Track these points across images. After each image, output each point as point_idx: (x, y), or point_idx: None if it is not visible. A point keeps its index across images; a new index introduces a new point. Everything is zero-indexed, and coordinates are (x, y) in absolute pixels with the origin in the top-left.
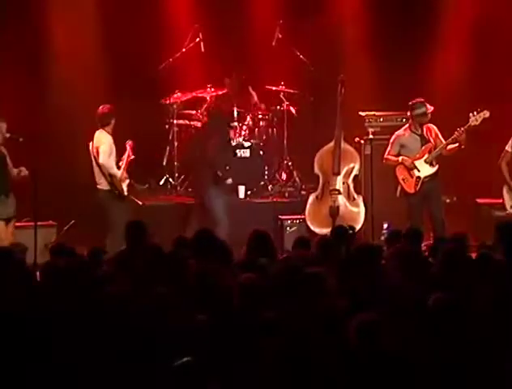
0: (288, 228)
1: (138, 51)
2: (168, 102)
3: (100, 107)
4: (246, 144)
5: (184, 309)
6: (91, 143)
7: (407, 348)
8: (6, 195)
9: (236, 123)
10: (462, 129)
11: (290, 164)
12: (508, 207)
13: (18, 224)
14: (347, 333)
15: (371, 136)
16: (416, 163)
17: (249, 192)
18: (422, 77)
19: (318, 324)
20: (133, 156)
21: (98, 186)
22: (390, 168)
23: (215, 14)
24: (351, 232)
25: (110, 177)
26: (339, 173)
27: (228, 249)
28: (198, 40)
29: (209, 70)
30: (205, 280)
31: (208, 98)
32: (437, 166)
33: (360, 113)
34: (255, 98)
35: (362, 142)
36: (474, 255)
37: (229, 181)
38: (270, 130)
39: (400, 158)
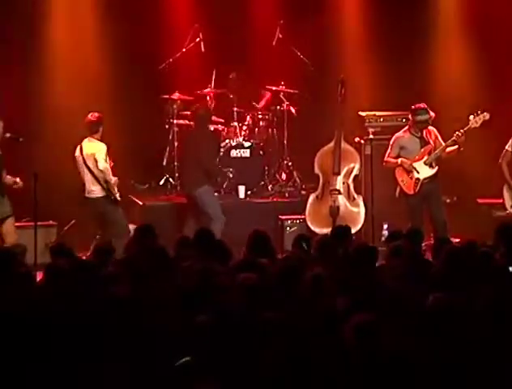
0: (288, 228)
1: (138, 51)
2: (168, 102)
3: (89, 115)
4: (246, 144)
5: (183, 309)
6: (78, 151)
7: (407, 348)
8: (1, 195)
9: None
10: (462, 131)
11: (290, 164)
12: (508, 206)
13: (18, 224)
14: (345, 333)
15: (371, 136)
16: (415, 165)
17: (249, 192)
18: (422, 77)
19: (318, 324)
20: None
21: (91, 195)
22: (391, 168)
23: (216, 14)
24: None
25: (106, 184)
26: (339, 173)
27: (226, 249)
28: (198, 40)
29: (209, 70)
30: (205, 280)
31: (208, 98)
32: (436, 168)
33: (361, 113)
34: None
35: (362, 142)
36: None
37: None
38: (270, 130)
39: (399, 160)
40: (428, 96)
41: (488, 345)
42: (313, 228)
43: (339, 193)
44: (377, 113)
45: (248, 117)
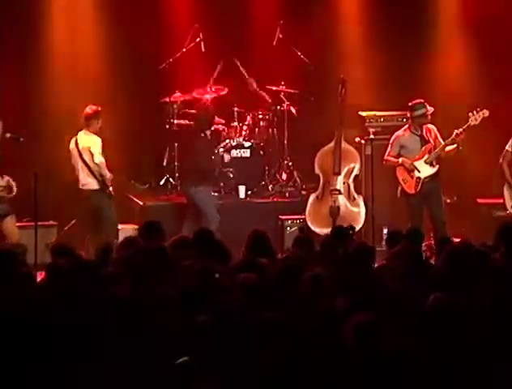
0: (288, 228)
1: (138, 51)
2: (168, 102)
3: (87, 107)
4: (246, 144)
5: (183, 309)
6: (73, 143)
7: (407, 348)
8: None
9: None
10: (462, 129)
11: (290, 164)
12: (508, 206)
13: (18, 224)
14: (345, 333)
15: (372, 136)
16: (416, 164)
17: (249, 192)
18: (422, 77)
19: (318, 324)
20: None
21: (84, 187)
22: (391, 168)
23: (216, 14)
24: (351, 232)
25: (101, 177)
26: (339, 173)
27: (225, 249)
28: (198, 40)
29: (209, 70)
30: (205, 280)
31: (209, 98)
32: (437, 166)
33: (361, 113)
34: (254, 85)
35: (363, 142)
36: None
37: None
38: (270, 130)
39: (400, 159)
40: (428, 95)
41: (488, 345)
42: (313, 228)
43: (340, 193)
44: (378, 113)
45: (248, 117)
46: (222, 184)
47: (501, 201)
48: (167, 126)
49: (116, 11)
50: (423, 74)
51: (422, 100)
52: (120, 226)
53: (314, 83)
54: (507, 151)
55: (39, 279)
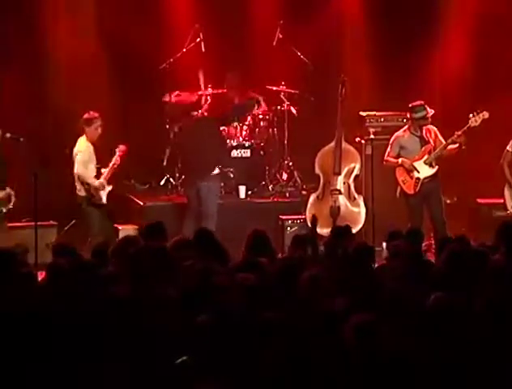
0: (288, 228)
1: (138, 51)
2: (168, 102)
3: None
4: (247, 144)
5: (183, 309)
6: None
7: (407, 348)
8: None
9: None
10: (462, 131)
11: (291, 164)
12: (509, 207)
13: (18, 224)
14: (345, 333)
15: (372, 136)
16: (416, 164)
17: (249, 192)
18: (422, 77)
19: (318, 324)
20: (118, 163)
21: (77, 192)
22: (391, 168)
23: (216, 15)
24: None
25: (88, 185)
26: (339, 173)
27: (223, 248)
28: (198, 40)
29: (210, 70)
30: (205, 280)
31: (209, 98)
32: (436, 167)
33: (361, 113)
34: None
35: (363, 142)
36: None
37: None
38: (270, 130)
39: (400, 160)
40: (428, 96)
41: (488, 345)
42: None
43: (340, 193)
44: (378, 113)
45: (248, 118)
46: (222, 184)
47: (502, 201)
48: (167, 126)
49: (116, 11)
50: (423, 74)
51: (422, 102)
52: (120, 226)
53: (314, 83)
54: (507, 151)
55: (39, 279)
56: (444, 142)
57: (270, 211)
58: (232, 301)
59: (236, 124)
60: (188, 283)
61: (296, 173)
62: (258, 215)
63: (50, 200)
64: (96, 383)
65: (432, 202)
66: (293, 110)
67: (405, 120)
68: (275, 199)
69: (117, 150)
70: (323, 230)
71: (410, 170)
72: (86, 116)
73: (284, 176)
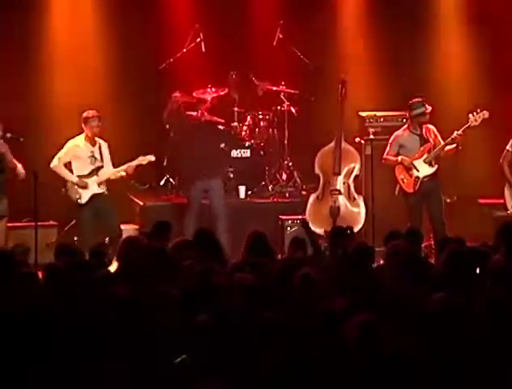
0: (288, 229)
1: (138, 51)
2: (168, 102)
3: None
4: (246, 144)
5: (183, 309)
6: None
7: (407, 348)
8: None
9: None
10: (461, 130)
11: (290, 164)
12: (509, 207)
13: (18, 224)
14: (345, 333)
15: (372, 136)
16: (415, 163)
17: (249, 192)
18: (422, 77)
19: (318, 324)
20: (130, 172)
21: None
22: (391, 168)
23: (216, 15)
24: (349, 232)
25: (65, 182)
26: (339, 173)
27: (222, 248)
28: (198, 40)
29: (210, 71)
30: (205, 280)
31: (209, 98)
32: (436, 166)
33: (361, 113)
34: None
35: (363, 142)
36: None
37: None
38: (270, 130)
39: (399, 158)
40: (428, 96)
41: (488, 345)
42: (313, 228)
43: (340, 193)
44: (378, 113)
45: (248, 118)
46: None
47: (502, 201)
48: (167, 126)
49: (116, 11)
50: (423, 74)
51: (421, 99)
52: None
53: (314, 83)
54: (508, 151)
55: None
56: (443, 141)
57: (270, 211)
58: (232, 301)
59: (236, 124)
60: (188, 283)
61: (295, 173)
62: (257, 216)
63: (50, 200)
64: (96, 383)
65: (431, 201)
66: (293, 110)
67: (404, 120)
68: (275, 199)
69: (140, 159)
70: (322, 230)
71: (409, 168)
72: (84, 114)
73: (284, 176)
